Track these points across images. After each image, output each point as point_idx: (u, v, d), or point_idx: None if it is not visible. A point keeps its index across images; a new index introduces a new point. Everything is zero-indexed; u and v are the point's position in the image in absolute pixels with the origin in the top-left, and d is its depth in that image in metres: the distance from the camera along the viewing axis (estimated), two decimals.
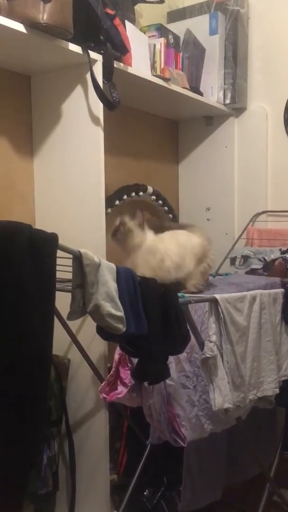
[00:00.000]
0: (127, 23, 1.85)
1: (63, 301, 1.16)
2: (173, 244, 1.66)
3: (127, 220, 1.64)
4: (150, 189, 2.32)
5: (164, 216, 2.51)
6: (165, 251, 1.63)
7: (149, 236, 1.65)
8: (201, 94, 2.32)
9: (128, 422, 1.99)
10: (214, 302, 1.47)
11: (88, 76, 1.65)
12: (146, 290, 1.25)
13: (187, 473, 1.76)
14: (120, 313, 1.16)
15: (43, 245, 1.02)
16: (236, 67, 2.38)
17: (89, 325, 1.52)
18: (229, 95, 2.41)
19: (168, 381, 1.56)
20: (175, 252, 1.65)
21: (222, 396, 1.44)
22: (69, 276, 1.13)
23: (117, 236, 1.64)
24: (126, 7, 1.98)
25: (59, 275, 1.06)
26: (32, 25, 1.41)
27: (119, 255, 1.68)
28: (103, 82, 1.67)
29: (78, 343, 1.71)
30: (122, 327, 1.16)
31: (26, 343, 1.00)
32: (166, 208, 2.48)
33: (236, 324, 1.52)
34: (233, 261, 2.30)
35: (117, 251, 1.72)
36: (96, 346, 1.75)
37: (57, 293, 1.05)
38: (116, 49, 1.71)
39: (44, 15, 1.39)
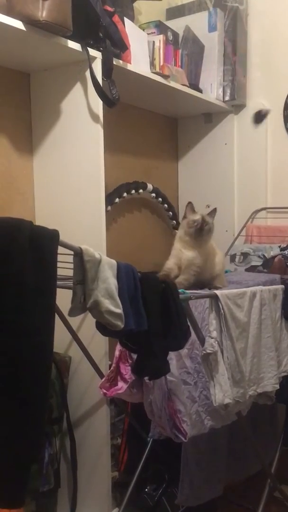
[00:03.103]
0: (126, 20, 1.85)
1: (63, 299, 1.16)
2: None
3: (210, 221, 1.68)
4: (150, 187, 2.33)
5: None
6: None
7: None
8: (200, 91, 2.32)
9: (129, 419, 1.99)
10: (214, 298, 1.47)
11: (88, 73, 1.65)
12: (146, 286, 1.26)
13: (185, 468, 1.77)
14: (119, 310, 1.16)
15: (44, 241, 1.02)
16: (235, 64, 2.38)
17: (89, 322, 1.52)
18: (228, 92, 2.41)
19: (169, 377, 1.56)
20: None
21: (222, 391, 1.45)
22: (70, 273, 1.13)
23: (202, 231, 1.66)
24: (125, 4, 1.98)
25: (59, 272, 1.06)
26: (31, 22, 1.41)
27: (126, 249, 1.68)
28: (102, 79, 1.67)
29: (79, 340, 1.72)
30: (120, 324, 1.16)
31: (27, 340, 1.00)
32: (166, 205, 2.49)
33: (236, 320, 1.52)
34: (232, 258, 2.30)
35: (116, 248, 1.72)
36: (97, 344, 1.75)
37: (58, 291, 1.05)
38: (115, 46, 1.72)
39: (43, 12, 1.39)
